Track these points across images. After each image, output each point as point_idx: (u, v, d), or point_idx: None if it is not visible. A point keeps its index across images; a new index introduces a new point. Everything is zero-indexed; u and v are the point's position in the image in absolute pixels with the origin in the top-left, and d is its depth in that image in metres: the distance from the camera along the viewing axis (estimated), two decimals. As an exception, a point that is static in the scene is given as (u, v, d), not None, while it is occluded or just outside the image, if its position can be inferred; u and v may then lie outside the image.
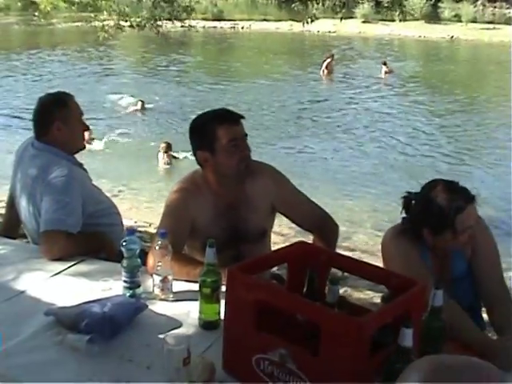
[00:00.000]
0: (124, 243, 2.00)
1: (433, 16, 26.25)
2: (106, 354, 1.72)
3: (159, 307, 1.99)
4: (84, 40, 18.13)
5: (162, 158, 8.89)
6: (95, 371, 1.65)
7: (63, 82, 13.90)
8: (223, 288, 1.73)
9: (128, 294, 2.02)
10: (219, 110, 2.43)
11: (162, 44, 13.17)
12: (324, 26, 20.25)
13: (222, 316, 1.68)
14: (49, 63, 17.10)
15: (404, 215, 2.22)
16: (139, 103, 11.75)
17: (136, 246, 2.02)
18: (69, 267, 2.30)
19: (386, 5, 18.29)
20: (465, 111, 12.54)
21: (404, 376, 1.05)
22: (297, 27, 20.91)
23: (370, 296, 4.18)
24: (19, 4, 24.02)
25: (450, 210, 2.04)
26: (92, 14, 8.98)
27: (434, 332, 1.64)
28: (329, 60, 15.70)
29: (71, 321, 1.81)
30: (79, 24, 12.99)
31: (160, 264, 2.01)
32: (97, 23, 8.74)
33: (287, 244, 1.84)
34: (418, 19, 25.81)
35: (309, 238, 2.54)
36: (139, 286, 2.03)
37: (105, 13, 8.44)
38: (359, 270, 1.75)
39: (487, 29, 24.68)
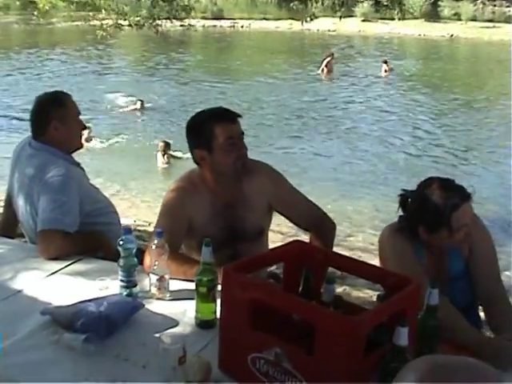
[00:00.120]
0: (121, 242, 2.00)
1: (432, 14, 26.26)
2: (102, 354, 1.71)
3: (156, 306, 1.99)
4: (84, 39, 18.13)
5: (161, 157, 8.89)
6: (91, 370, 1.65)
7: (62, 80, 13.91)
8: (220, 287, 1.73)
9: (125, 293, 2.01)
10: (216, 109, 2.43)
11: (162, 43, 13.19)
12: (324, 24, 20.28)
13: (219, 315, 1.69)
14: (48, 62, 17.09)
15: (401, 213, 2.22)
16: (138, 103, 11.75)
17: (132, 245, 2.01)
18: (66, 266, 2.30)
19: (385, 3, 18.29)
20: (464, 109, 12.54)
21: (400, 376, 1.04)
22: (296, 26, 20.85)
23: (369, 295, 4.18)
24: (18, 3, 23.99)
25: (446, 208, 2.03)
26: (91, 13, 8.97)
27: (430, 330, 1.64)
28: (328, 59, 15.68)
29: (67, 320, 1.81)
30: (79, 23, 12.98)
31: (157, 263, 2.01)
32: (96, 22, 8.73)
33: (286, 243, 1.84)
34: (417, 18, 25.82)
35: (308, 237, 2.54)
36: (136, 285, 2.03)
37: (103, 12, 8.43)
38: (355, 269, 1.75)
39: (487, 27, 24.69)
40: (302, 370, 1.46)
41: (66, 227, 2.40)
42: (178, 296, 2.03)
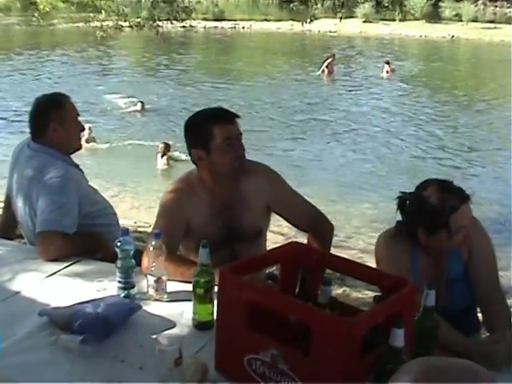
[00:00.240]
0: (118, 244, 2.00)
1: (433, 15, 26.27)
2: (99, 355, 1.72)
3: (153, 307, 1.99)
4: (84, 40, 18.15)
5: (161, 158, 8.90)
6: (88, 371, 1.65)
7: (63, 81, 13.92)
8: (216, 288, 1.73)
9: (122, 295, 2.02)
10: (215, 109, 2.43)
11: (162, 44, 13.18)
12: (325, 25, 20.27)
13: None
14: (49, 63, 17.10)
15: (399, 217, 2.21)
16: (139, 104, 11.75)
17: (130, 247, 2.02)
18: (64, 268, 2.30)
19: (386, 4, 18.30)
20: (466, 111, 12.53)
21: (396, 377, 1.05)
22: (297, 27, 20.88)
23: (368, 296, 4.18)
24: (19, 5, 24.04)
25: (444, 210, 2.02)
26: (91, 14, 8.98)
27: (427, 331, 1.64)
28: (329, 60, 15.68)
29: (65, 321, 1.81)
30: (80, 25, 13.01)
31: (154, 264, 2.02)
32: (96, 23, 8.73)
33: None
34: (418, 19, 25.85)
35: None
36: (133, 287, 2.03)
37: (103, 13, 8.44)
38: (352, 270, 1.75)
39: (488, 28, 24.70)
40: (298, 371, 1.46)
41: (64, 228, 2.41)
42: (176, 297, 2.03)
